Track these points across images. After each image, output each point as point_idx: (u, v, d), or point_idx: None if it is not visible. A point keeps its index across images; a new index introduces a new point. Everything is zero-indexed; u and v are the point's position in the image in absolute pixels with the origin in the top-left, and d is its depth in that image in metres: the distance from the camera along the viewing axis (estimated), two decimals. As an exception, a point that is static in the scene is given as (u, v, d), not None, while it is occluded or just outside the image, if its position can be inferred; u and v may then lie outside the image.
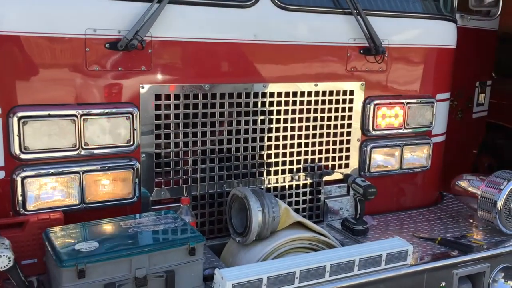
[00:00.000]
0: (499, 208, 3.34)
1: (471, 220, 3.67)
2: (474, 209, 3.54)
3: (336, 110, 3.48)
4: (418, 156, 3.85)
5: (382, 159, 3.71)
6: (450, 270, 3.06)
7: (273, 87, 3.23)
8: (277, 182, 3.39)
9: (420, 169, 3.88)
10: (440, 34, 3.81)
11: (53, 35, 2.62)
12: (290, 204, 3.42)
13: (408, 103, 3.70)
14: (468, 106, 5.48)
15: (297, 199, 3.49)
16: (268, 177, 3.36)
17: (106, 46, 2.74)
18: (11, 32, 2.55)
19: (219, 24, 3.03)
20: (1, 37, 2.53)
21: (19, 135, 2.60)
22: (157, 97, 2.93)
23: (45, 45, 2.62)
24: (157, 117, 2.95)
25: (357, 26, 3.33)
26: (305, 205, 3.53)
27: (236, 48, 3.09)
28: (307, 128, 3.40)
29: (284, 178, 3.41)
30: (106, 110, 2.79)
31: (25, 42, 2.58)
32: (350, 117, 3.54)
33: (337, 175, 3.58)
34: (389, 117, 3.66)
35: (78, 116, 2.71)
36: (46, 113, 2.65)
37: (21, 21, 2.56)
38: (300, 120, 3.36)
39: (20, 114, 2.59)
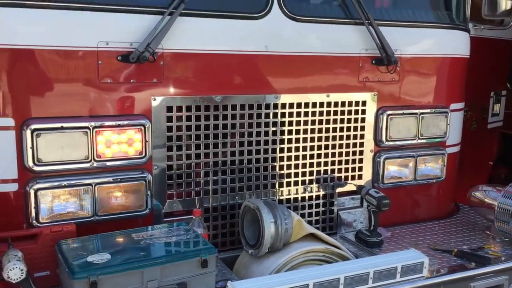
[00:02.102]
0: (517, 219, 3.29)
1: (488, 232, 3.61)
2: (491, 220, 3.48)
3: (349, 121, 3.46)
4: (432, 167, 3.80)
5: (396, 170, 3.67)
6: (467, 283, 3.00)
7: (285, 98, 3.22)
8: (289, 194, 3.37)
9: (434, 180, 3.83)
10: (453, 43, 3.78)
11: (65, 48, 2.65)
12: (303, 216, 3.39)
13: (421, 113, 3.66)
14: (482, 117, 5.42)
15: (310, 210, 3.46)
16: (281, 189, 3.34)
17: (118, 58, 2.76)
18: (24, 45, 2.58)
19: (230, 35, 3.04)
20: (14, 51, 2.57)
21: (32, 148, 2.61)
22: (169, 109, 2.94)
23: (57, 58, 2.65)
24: (169, 129, 2.96)
25: (368, 36, 3.32)
26: (318, 217, 3.50)
27: (247, 59, 3.10)
28: (320, 139, 3.38)
29: (296, 189, 3.39)
30: (119, 122, 2.80)
31: (38, 56, 2.61)
32: (362, 128, 3.52)
33: (350, 187, 3.55)
34: (403, 127, 3.62)
35: (91, 128, 2.73)
36: (59, 125, 2.67)
37: (34, 35, 2.59)
38: (313, 131, 3.35)
39: (33, 126, 2.61)
